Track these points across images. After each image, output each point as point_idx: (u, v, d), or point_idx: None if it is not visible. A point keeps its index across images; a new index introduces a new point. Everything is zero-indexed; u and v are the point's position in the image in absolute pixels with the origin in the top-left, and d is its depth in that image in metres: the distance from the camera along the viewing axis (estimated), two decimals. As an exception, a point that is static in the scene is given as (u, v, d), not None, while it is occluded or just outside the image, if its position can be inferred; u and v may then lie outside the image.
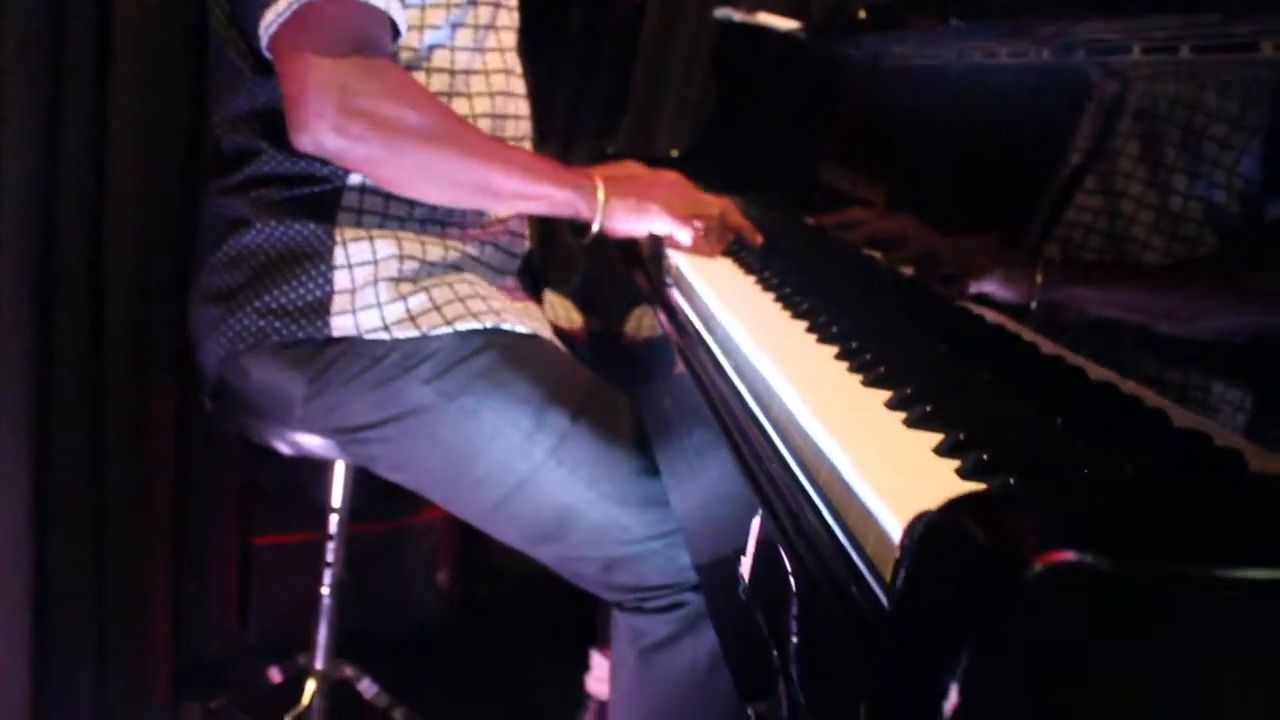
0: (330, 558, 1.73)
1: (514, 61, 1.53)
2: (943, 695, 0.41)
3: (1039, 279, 1.12)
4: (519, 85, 1.55)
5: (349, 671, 1.80)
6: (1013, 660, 0.43)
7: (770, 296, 1.24)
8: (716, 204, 1.51)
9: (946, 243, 1.27)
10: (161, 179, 1.76)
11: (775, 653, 0.69)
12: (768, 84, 2.00)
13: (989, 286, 1.16)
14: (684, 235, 1.47)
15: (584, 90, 2.57)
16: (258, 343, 1.40)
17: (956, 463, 0.70)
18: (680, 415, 1.19)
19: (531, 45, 1.60)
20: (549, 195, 1.41)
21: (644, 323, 1.73)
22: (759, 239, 1.52)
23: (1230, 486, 0.65)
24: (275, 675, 1.81)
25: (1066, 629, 0.43)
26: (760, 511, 0.74)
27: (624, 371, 1.57)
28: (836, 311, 1.09)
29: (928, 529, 0.48)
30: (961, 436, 0.72)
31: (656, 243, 1.52)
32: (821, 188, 1.64)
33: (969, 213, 1.22)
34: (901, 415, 0.80)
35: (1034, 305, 1.11)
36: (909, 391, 0.82)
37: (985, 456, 0.67)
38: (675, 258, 1.42)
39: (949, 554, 0.47)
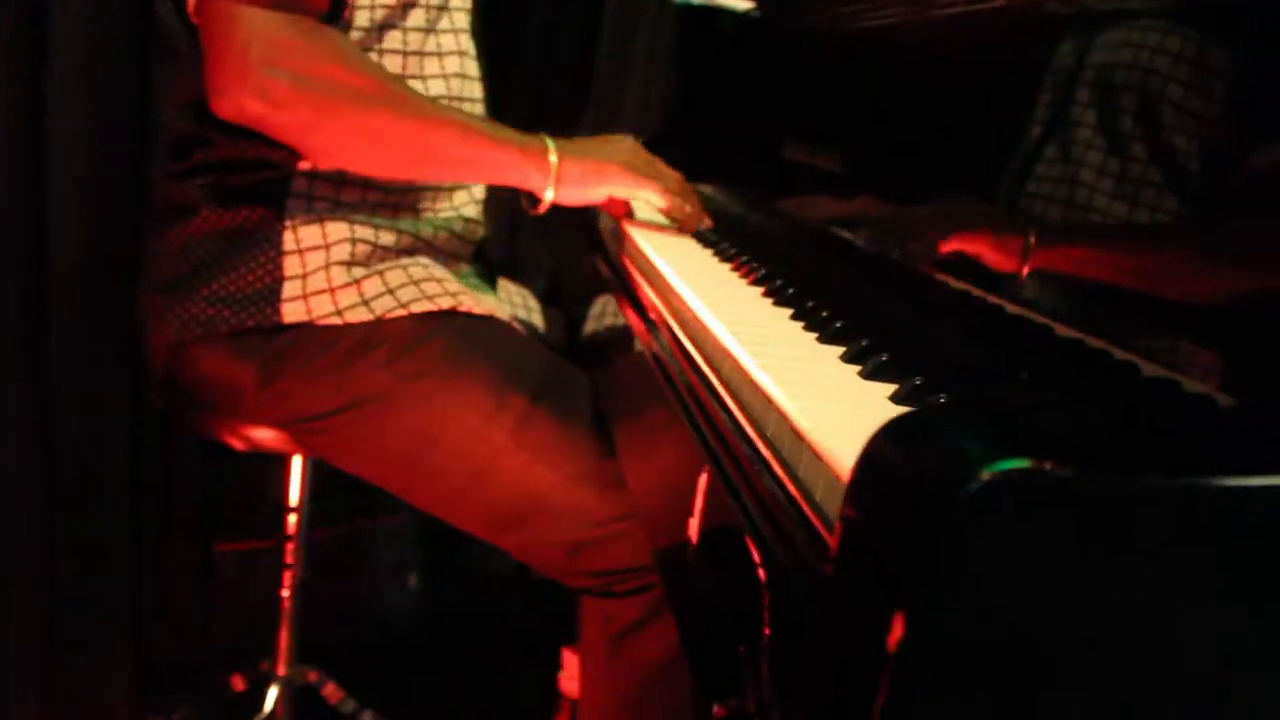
0: (290, 559, 1.68)
1: (468, 43, 1.49)
2: (887, 629, 0.37)
3: (1032, 241, 1.10)
4: (473, 68, 1.51)
5: (313, 676, 1.75)
6: (960, 583, 0.39)
7: (728, 266, 1.20)
8: (671, 173, 1.47)
9: (922, 212, 1.24)
10: (110, 167, 1.70)
11: (735, 633, 0.66)
12: (728, 66, 1.97)
13: (977, 252, 1.14)
14: (648, 193, 1.42)
15: (546, 81, 2.53)
16: (206, 332, 1.35)
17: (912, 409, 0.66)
18: (637, 395, 1.15)
19: (492, 35, 1.55)
20: (496, 160, 1.35)
21: (606, 312, 1.69)
22: (707, 221, 1.49)
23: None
24: (238, 683, 1.76)
25: (1012, 546, 0.39)
26: (707, 467, 0.70)
27: (584, 360, 1.53)
28: (795, 277, 1.06)
29: (863, 461, 0.44)
30: (918, 381, 0.68)
31: (613, 220, 1.48)
32: (789, 169, 1.61)
33: (943, 177, 1.19)
34: (857, 368, 0.76)
35: (1025, 272, 1.09)
36: (865, 344, 0.78)
37: (941, 396, 0.64)
38: (632, 231, 1.38)
39: (885, 481, 0.43)
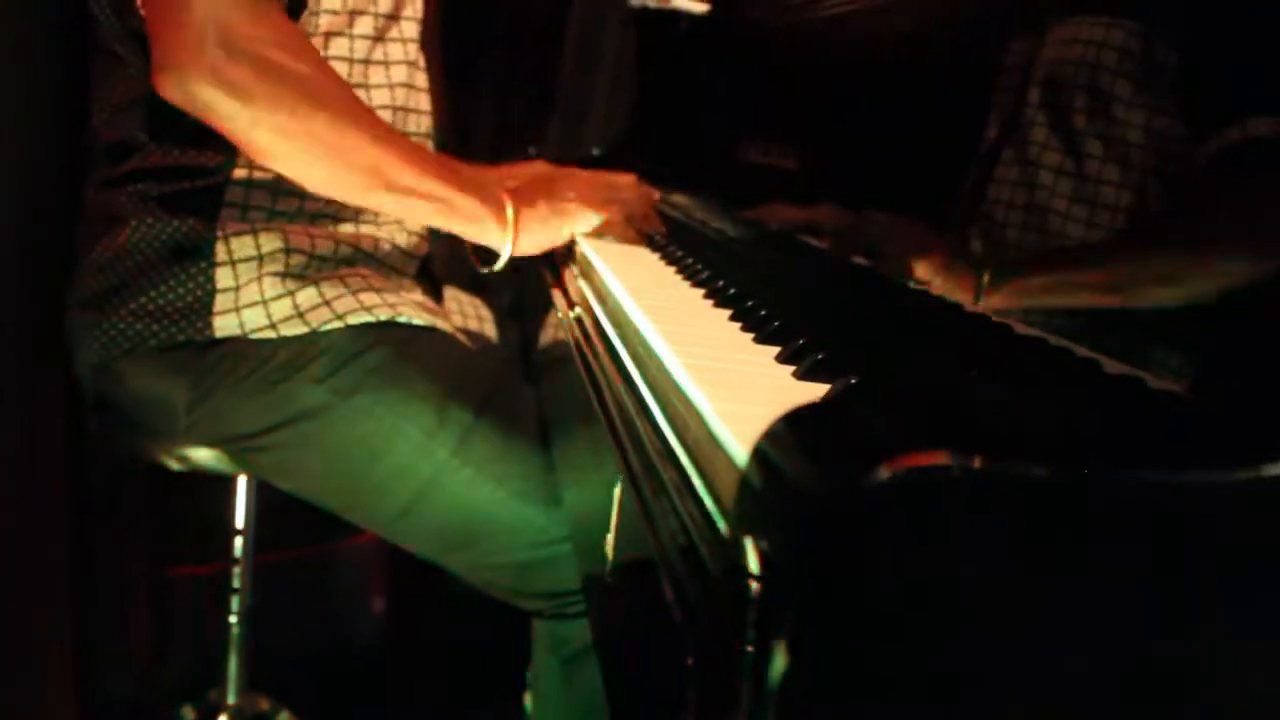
0: (237, 584, 1.61)
1: (417, 54, 1.43)
2: (769, 654, 0.32)
3: (985, 280, 1.06)
4: (422, 79, 1.45)
5: (265, 705, 1.69)
6: (849, 603, 0.33)
7: (673, 270, 1.15)
8: (625, 179, 1.42)
9: (875, 228, 1.21)
10: (41, 175, 1.63)
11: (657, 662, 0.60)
12: (685, 70, 1.92)
13: (929, 281, 1.10)
14: (612, 221, 1.38)
15: (509, 89, 2.48)
16: (134, 347, 1.29)
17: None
18: (574, 409, 1.09)
19: (454, 44, 1.50)
20: (451, 200, 1.27)
21: (558, 325, 1.63)
22: (660, 225, 1.44)
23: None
24: (189, 714, 1.69)
25: (916, 557, 0.33)
26: (620, 478, 0.65)
27: (539, 372, 1.47)
28: (739, 279, 1.00)
29: (755, 455, 0.39)
30: (854, 381, 0.62)
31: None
32: (750, 172, 1.56)
33: (902, 177, 1.15)
34: (791, 368, 0.70)
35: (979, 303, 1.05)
36: (802, 343, 0.73)
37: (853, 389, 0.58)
38: (580, 242, 1.32)
39: (773, 481, 0.37)
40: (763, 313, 0.83)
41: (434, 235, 1.50)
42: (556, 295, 1.26)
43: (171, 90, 1.15)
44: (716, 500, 0.52)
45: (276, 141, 1.18)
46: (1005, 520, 0.34)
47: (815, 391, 0.65)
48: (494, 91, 2.43)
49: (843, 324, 0.89)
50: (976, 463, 0.33)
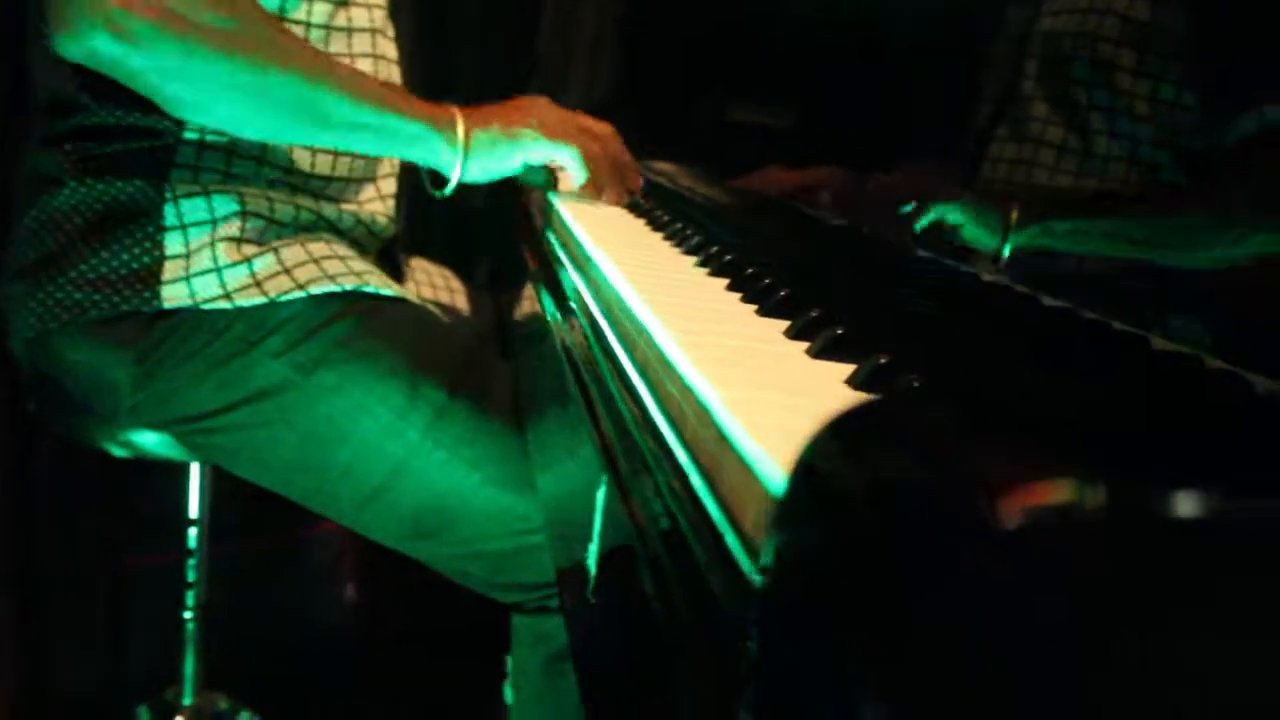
0: (193, 577, 1.51)
1: (383, 21, 1.32)
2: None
3: (1014, 216, 1.00)
4: (389, 49, 1.34)
5: (224, 705, 1.58)
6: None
7: (660, 235, 1.04)
8: (600, 126, 1.30)
9: (893, 180, 1.13)
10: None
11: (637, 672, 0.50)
12: (669, 27, 1.81)
13: (955, 225, 1.03)
14: (566, 155, 1.25)
15: (487, 51, 2.36)
16: (73, 319, 1.18)
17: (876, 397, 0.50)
18: (550, 389, 0.99)
19: (428, 11, 1.39)
20: (395, 127, 1.17)
21: (533, 297, 1.52)
22: (639, 180, 1.33)
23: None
24: (145, 714, 1.59)
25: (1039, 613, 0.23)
26: (604, 480, 0.54)
27: (513, 347, 1.37)
28: (735, 245, 0.89)
29: (799, 473, 0.29)
30: (882, 360, 0.52)
31: (540, 195, 1.32)
32: (742, 135, 1.45)
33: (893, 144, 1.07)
34: (805, 345, 0.60)
35: (1006, 251, 0.98)
36: (815, 316, 0.62)
37: (913, 379, 0.48)
38: (555, 200, 1.21)
39: (838, 508, 0.27)
40: (765, 281, 0.72)
41: (400, 216, 1.40)
42: (529, 259, 1.15)
43: (72, 49, 1.05)
44: (728, 515, 0.42)
45: (193, 89, 1.09)
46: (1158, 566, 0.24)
47: (836, 373, 0.55)
48: (471, 59, 2.32)
49: (855, 295, 0.79)
50: (1128, 496, 0.23)
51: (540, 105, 1.28)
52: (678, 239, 0.98)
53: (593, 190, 1.29)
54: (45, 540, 1.75)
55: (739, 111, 1.48)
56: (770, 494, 0.39)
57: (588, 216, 1.11)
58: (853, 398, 0.50)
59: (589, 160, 1.27)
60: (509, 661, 1.61)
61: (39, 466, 1.72)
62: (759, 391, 0.49)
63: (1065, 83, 1.06)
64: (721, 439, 0.44)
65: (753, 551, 0.40)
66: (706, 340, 0.57)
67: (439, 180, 1.23)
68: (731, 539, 0.41)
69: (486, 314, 1.57)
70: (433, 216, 2.04)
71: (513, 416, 1.20)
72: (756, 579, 0.37)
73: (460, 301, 1.54)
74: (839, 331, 0.58)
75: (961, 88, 1.16)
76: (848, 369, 0.56)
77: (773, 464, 0.39)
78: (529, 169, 1.25)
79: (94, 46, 1.04)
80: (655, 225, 1.10)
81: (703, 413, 0.48)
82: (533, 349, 1.32)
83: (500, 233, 2.12)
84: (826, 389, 0.51)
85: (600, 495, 0.53)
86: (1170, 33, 0.95)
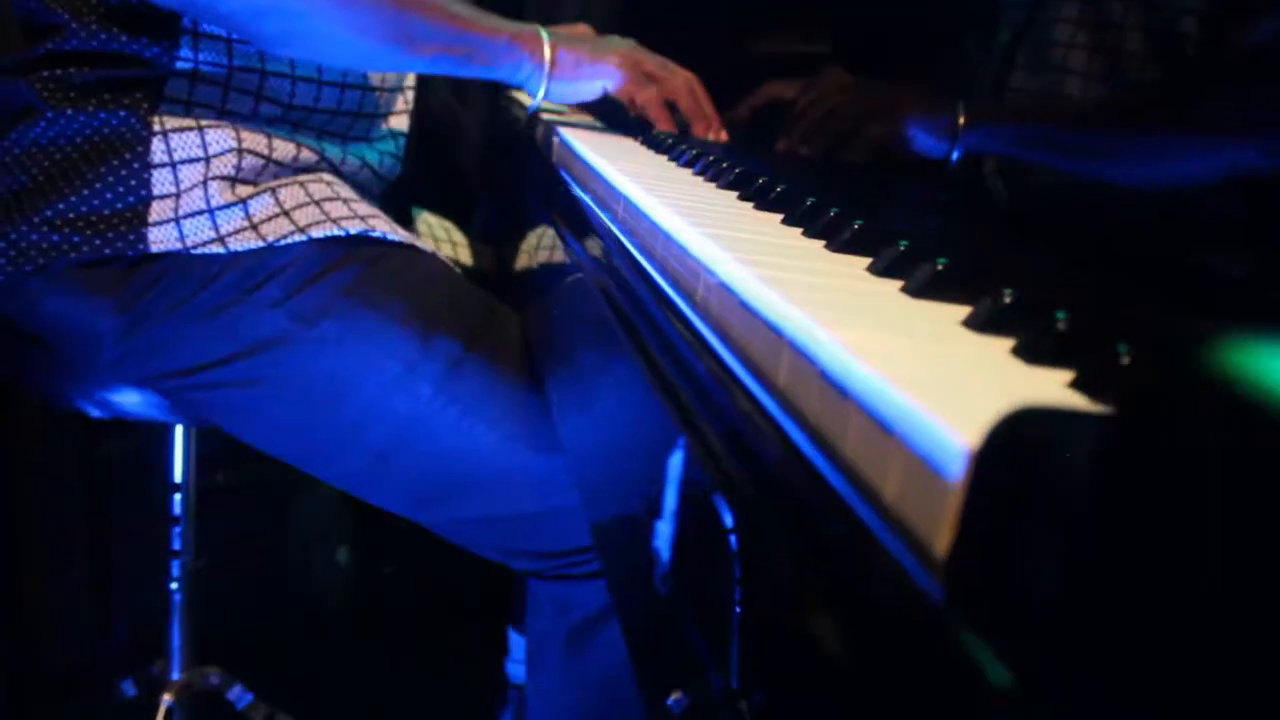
0: (178, 545, 1.42)
1: None
2: None
3: (961, 119, 0.96)
4: None
5: (215, 679, 1.50)
6: None
7: (688, 171, 0.95)
8: (682, 73, 1.25)
9: (859, 97, 1.14)
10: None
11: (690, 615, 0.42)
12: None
13: (905, 136, 0.99)
14: (648, 94, 1.23)
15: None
16: (50, 262, 1.08)
17: (1010, 340, 0.42)
18: (570, 335, 0.91)
19: None
20: (483, 46, 1.13)
21: (541, 245, 1.44)
22: (723, 134, 1.26)
23: None
24: (129, 689, 1.51)
25: None
26: (682, 445, 0.46)
27: (515, 298, 1.28)
28: (778, 178, 0.81)
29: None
30: (1008, 299, 0.44)
31: (547, 128, 1.23)
32: (754, 66, 1.37)
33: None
34: (897, 283, 0.51)
35: (954, 155, 0.93)
36: (902, 250, 0.54)
37: (1059, 322, 0.40)
38: (567, 135, 1.12)
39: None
40: (831, 214, 0.64)
41: (407, 158, 1.32)
42: (545, 205, 1.07)
43: None
44: (853, 481, 0.33)
45: (285, 25, 1.05)
46: None
47: (944, 313, 0.46)
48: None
49: (926, 227, 0.71)
50: None
51: (628, 43, 1.25)
52: (711, 174, 0.89)
53: (668, 129, 1.25)
54: (25, 507, 1.67)
55: (751, 40, 1.39)
56: (919, 453, 0.31)
57: (605, 149, 1.02)
58: (987, 343, 0.42)
59: (671, 95, 1.24)
60: (510, 635, 1.55)
61: (18, 431, 1.63)
62: (870, 332, 0.40)
63: (1100, 2, 1.00)
64: (838, 393, 0.36)
65: (898, 526, 0.32)
66: (785, 277, 0.48)
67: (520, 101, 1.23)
68: (863, 510, 0.33)
69: (488, 266, 1.48)
70: (427, 164, 1.95)
71: (529, 371, 1.12)
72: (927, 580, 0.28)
73: (464, 254, 1.45)
74: (938, 267, 0.49)
75: (979, 14, 1.08)
76: (952, 308, 0.47)
77: (927, 416, 0.31)
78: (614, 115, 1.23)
79: None
80: (681, 162, 1.01)
81: (803, 362, 0.39)
82: (538, 301, 1.24)
83: (496, 180, 2.03)
84: (948, 332, 0.43)
85: (675, 462, 0.45)
86: None
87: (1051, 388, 0.37)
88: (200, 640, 1.49)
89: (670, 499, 0.44)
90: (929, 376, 0.35)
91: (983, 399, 0.34)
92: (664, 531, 0.45)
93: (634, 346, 0.56)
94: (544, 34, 1.17)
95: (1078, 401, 0.36)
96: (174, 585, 1.44)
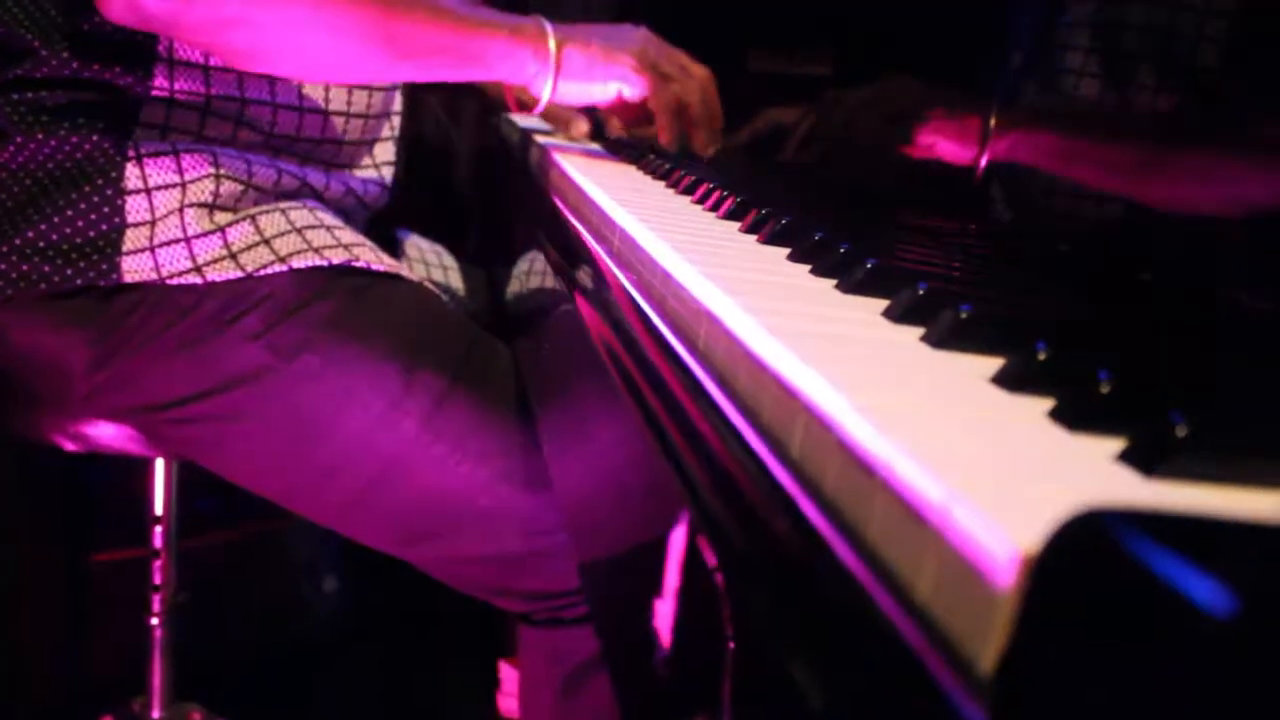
0: (159, 579, 1.38)
1: None
2: None
3: (992, 123, 0.92)
4: None
5: (197, 716, 1.46)
6: None
7: (687, 199, 0.91)
8: (698, 69, 1.18)
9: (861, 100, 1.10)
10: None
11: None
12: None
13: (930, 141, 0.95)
14: (661, 96, 1.15)
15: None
16: (19, 293, 1.04)
17: (1047, 401, 0.38)
18: (563, 367, 0.87)
19: None
20: (481, 48, 1.07)
21: (534, 270, 1.40)
22: (720, 137, 1.21)
23: None
24: (110, 725, 1.46)
25: None
26: (683, 517, 0.41)
27: (507, 325, 1.25)
28: (782, 208, 0.77)
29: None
30: (1043, 356, 0.40)
31: (542, 153, 1.19)
32: (757, 83, 1.33)
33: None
34: (916, 331, 0.47)
35: (982, 162, 0.88)
36: (921, 295, 0.50)
37: (1104, 380, 0.35)
38: (562, 160, 1.08)
39: None
40: (839, 251, 0.60)
41: (394, 185, 1.28)
42: (538, 231, 1.03)
43: (120, 13, 0.95)
44: (878, 570, 0.29)
45: (259, 40, 0.99)
46: None
47: (970, 368, 0.42)
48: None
49: (949, 267, 0.67)
50: None
51: (642, 34, 1.17)
52: (711, 202, 0.85)
53: (671, 134, 1.18)
54: (3, 537, 1.62)
55: (751, 59, 1.36)
56: (958, 550, 0.27)
57: (600, 175, 0.99)
58: (1022, 406, 0.38)
59: (684, 98, 1.16)
60: (503, 669, 1.50)
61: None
62: (900, 397, 0.36)
63: (1114, 28, 0.97)
64: (864, 469, 0.32)
65: (932, 631, 0.28)
66: (801, 327, 0.44)
67: (524, 100, 1.15)
68: (890, 607, 0.29)
69: (481, 292, 1.44)
70: (417, 186, 1.91)
71: (517, 405, 1.08)
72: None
73: (455, 280, 1.41)
74: (961, 315, 0.45)
75: (989, 38, 1.06)
76: (979, 360, 0.43)
77: (988, 518, 0.27)
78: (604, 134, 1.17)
79: (144, 8, 0.94)
80: (680, 189, 0.97)
81: (818, 427, 0.35)
82: (531, 329, 1.20)
83: (487, 203, 1.99)
84: (978, 393, 0.39)
85: (676, 538, 0.41)
86: None
87: (1099, 461, 0.33)
88: (184, 675, 1.44)
89: (670, 575, 0.40)
90: (965, 454, 0.31)
91: (1030, 482, 0.30)
92: (663, 610, 0.40)
93: (629, 394, 0.52)
94: (549, 29, 1.10)
95: (1129, 478, 0.32)
96: (154, 620, 1.39)
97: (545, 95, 1.11)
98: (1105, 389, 0.36)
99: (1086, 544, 0.23)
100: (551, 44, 1.09)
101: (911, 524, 0.29)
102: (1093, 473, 0.32)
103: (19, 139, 1.06)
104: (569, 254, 0.83)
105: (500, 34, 1.07)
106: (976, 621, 0.26)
